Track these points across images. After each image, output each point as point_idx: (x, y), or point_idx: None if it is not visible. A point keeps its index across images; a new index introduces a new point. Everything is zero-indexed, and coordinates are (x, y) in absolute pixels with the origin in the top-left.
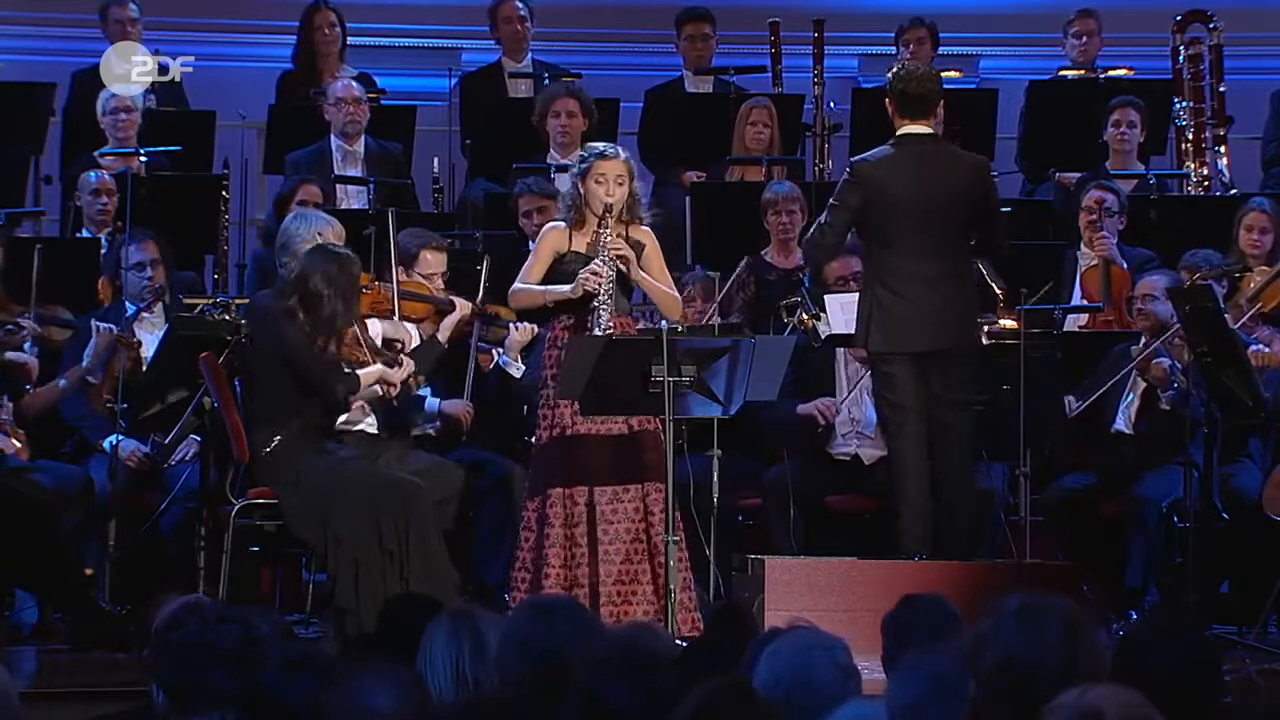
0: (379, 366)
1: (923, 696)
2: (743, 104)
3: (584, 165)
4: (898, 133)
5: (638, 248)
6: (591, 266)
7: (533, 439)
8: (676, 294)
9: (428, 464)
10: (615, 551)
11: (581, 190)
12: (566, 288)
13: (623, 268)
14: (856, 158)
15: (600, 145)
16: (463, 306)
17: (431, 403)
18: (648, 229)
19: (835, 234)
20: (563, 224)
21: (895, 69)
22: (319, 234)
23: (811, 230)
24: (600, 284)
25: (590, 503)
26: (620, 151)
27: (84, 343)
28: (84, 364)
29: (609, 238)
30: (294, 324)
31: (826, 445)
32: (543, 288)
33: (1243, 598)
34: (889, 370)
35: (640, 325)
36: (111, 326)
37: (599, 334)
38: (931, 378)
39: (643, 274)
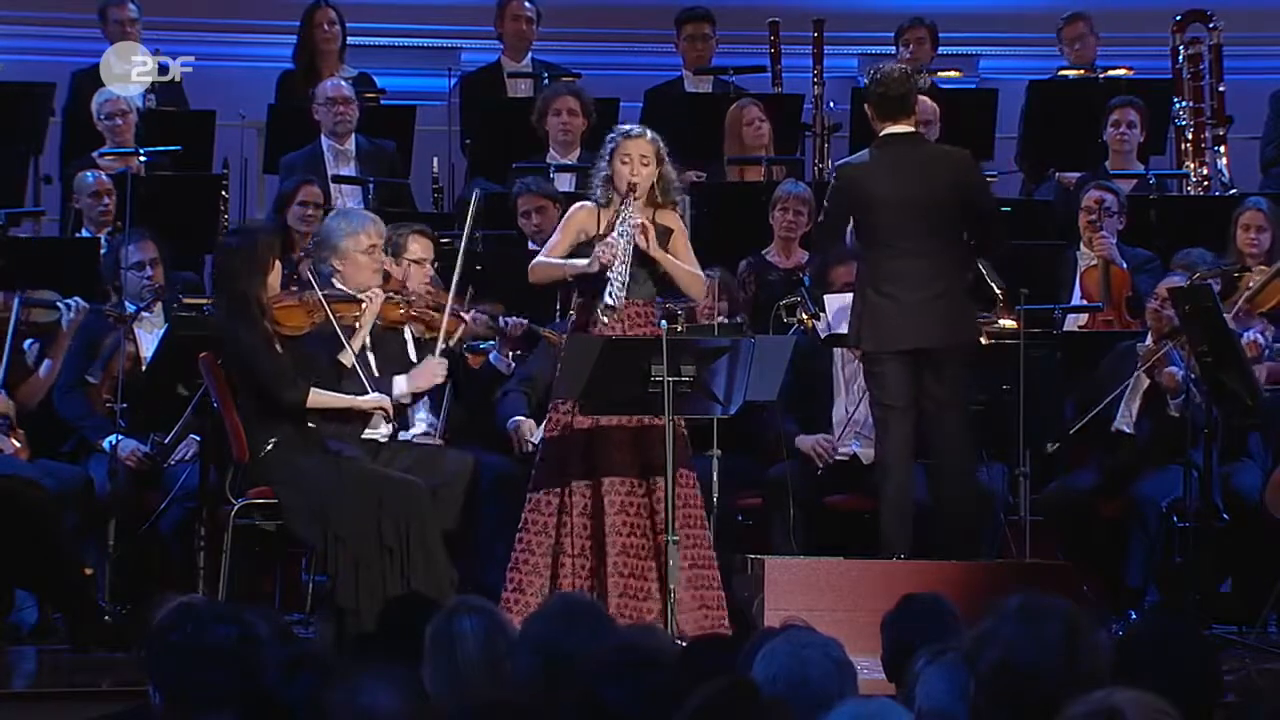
0: (348, 397)
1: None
2: (730, 108)
3: (611, 145)
4: (880, 134)
5: (665, 233)
6: (608, 239)
7: (542, 430)
8: (700, 272)
9: (420, 454)
10: (623, 545)
11: (608, 170)
12: (585, 261)
13: (640, 241)
14: (841, 161)
15: (628, 125)
16: (466, 326)
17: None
18: (676, 214)
19: (827, 238)
20: (591, 204)
21: (870, 73)
22: (360, 231)
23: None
24: (615, 255)
25: (624, 492)
26: (647, 131)
27: (85, 336)
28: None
29: (630, 212)
30: (242, 327)
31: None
32: (562, 260)
33: (1243, 598)
34: (879, 370)
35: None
36: (79, 302)
37: (610, 303)
38: (925, 376)
39: (662, 251)
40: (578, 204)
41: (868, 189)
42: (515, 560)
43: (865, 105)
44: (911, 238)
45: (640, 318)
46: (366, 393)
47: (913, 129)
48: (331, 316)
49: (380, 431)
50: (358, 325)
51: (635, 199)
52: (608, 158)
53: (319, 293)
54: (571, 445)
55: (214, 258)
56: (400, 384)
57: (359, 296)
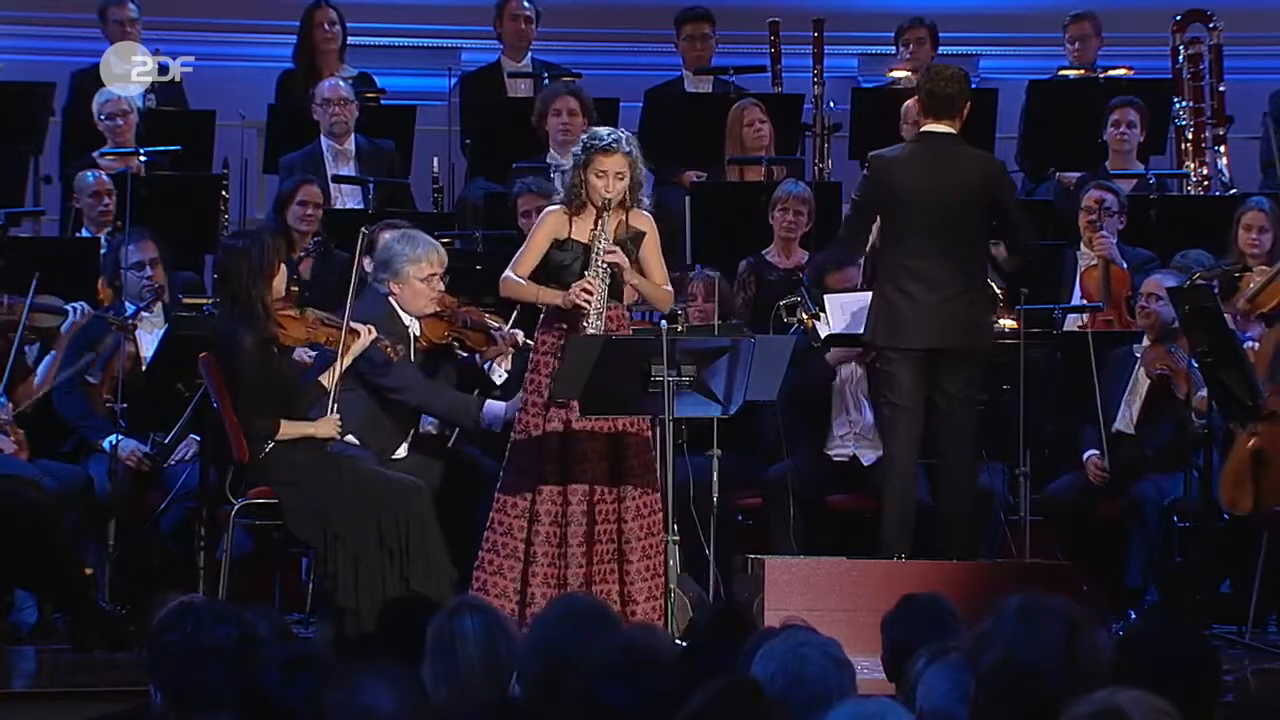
0: (308, 424)
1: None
2: (730, 108)
3: (586, 155)
4: (921, 129)
5: (638, 237)
6: (583, 284)
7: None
8: (669, 288)
9: (419, 456)
10: (595, 553)
11: (582, 178)
12: (558, 295)
13: (616, 271)
14: (875, 152)
15: (604, 134)
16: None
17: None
18: (648, 215)
19: (853, 229)
20: (561, 207)
21: (928, 67)
22: (423, 259)
23: (840, 228)
24: (592, 301)
25: (588, 501)
26: (623, 143)
27: (85, 336)
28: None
29: (603, 242)
30: (244, 329)
31: (825, 446)
32: (535, 287)
33: (1243, 598)
34: (891, 370)
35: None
36: (85, 307)
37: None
38: (940, 376)
39: (635, 277)
40: (548, 209)
41: (896, 181)
42: (481, 560)
43: (914, 99)
44: (933, 236)
45: (612, 321)
46: (328, 414)
47: (953, 130)
48: (353, 339)
49: (401, 456)
50: (345, 352)
51: (609, 214)
52: (582, 167)
53: (321, 314)
54: (543, 450)
55: (218, 258)
56: (497, 409)
57: (355, 328)
